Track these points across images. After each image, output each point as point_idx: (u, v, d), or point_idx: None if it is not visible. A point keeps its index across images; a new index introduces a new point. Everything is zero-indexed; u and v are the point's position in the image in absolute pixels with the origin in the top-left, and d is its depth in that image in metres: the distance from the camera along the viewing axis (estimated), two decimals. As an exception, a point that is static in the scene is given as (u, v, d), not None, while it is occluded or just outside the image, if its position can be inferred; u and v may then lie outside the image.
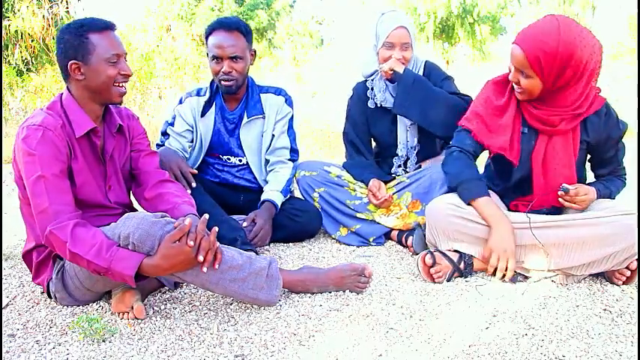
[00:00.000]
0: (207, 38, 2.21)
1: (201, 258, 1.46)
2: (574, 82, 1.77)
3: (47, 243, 1.52)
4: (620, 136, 1.95)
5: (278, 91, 2.37)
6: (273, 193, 2.29)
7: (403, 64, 2.27)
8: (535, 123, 1.89)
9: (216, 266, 1.52)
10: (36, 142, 1.51)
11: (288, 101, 2.38)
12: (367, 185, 2.36)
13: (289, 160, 2.39)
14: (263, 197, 2.28)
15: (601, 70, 1.81)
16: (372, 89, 2.40)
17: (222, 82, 2.20)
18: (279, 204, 2.28)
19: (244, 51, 2.19)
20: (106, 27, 1.60)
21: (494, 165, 2.09)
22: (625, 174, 2.03)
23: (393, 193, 2.33)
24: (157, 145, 2.33)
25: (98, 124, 1.69)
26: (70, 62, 1.57)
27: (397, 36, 2.25)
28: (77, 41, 1.56)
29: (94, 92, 1.62)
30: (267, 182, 2.40)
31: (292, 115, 2.40)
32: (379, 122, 2.42)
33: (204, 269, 1.50)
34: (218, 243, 1.53)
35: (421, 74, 2.35)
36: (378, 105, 2.39)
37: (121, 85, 1.63)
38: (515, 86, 1.88)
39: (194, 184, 2.14)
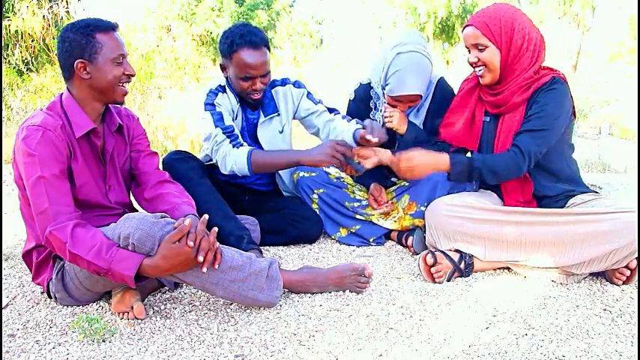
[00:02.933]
0: (230, 53, 2.10)
1: (200, 258, 1.46)
2: (523, 51, 1.91)
3: (47, 244, 1.51)
4: (550, 116, 1.89)
5: (283, 82, 2.34)
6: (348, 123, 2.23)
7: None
8: (493, 109, 2.02)
9: (216, 266, 1.52)
10: (36, 143, 1.51)
11: (296, 84, 2.35)
12: (367, 189, 2.36)
13: (334, 114, 2.33)
14: (355, 127, 2.16)
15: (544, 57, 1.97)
16: (376, 102, 2.36)
17: (253, 96, 2.16)
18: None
19: (269, 63, 2.15)
20: (112, 27, 1.62)
21: None
22: (522, 157, 1.88)
23: (392, 198, 2.33)
24: (225, 130, 2.10)
25: (98, 124, 1.69)
26: (77, 61, 1.57)
27: (407, 97, 2.14)
28: (84, 40, 1.57)
29: (99, 92, 1.62)
30: (290, 181, 2.44)
31: (308, 92, 2.36)
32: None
33: (204, 269, 1.50)
34: (218, 243, 1.53)
35: (432, 93, 2.28)
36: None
37: (124, 84, 1.64)
38: (477, 71, 1.99)
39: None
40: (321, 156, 1.94)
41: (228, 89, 2.23)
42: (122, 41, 1.64)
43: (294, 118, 2.38)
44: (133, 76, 1.66)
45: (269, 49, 2.15)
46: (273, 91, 2.32)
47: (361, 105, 2.40)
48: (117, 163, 1.77)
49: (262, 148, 2.28)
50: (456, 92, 2.28)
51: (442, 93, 2.29)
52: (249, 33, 2.09)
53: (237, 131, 2.14)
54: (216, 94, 2.20)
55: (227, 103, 2.22)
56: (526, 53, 1.91)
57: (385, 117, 2.22)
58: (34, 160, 1.50)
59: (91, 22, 1.60)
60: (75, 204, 1.56)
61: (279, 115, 2.32)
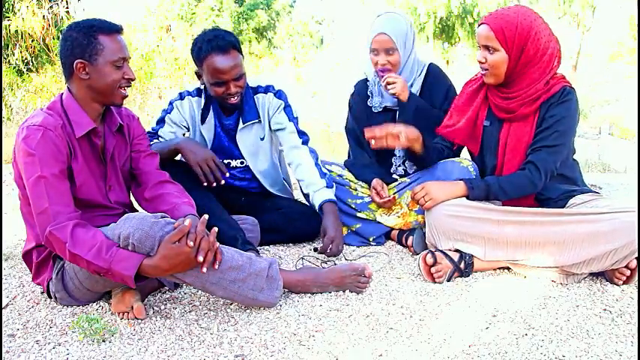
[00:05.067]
0: (200, 60, 2.09)
1: (200, 258, 1.46)
2: (536, 60, 1.87)
3: (47, 243, 1.51)
4: (562, 131, 1.89)
5: (266, 89, 2.32)
6: (321, 192, 2.19)
7: (390, 70, 2.26)
8: (501, 114, 2.00)
9: (216, 266, 1.52)
10: (36, 143, 1.51)
11: (277, 94, 2.32)
12: (369, 185, 2.36)
13: (301, 143, 2.31)
14: (316, 201, 2.17)
15: (559, 66, 1.94)
16: (371, 93, 2.40)
17: (229, 101, 2.15)
18: (334, 197, 2.21)
19: (243, 66, 2.13)
20: (115, 30, 1.61)
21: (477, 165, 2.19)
22: (539, 174, 1.89)
23: (394, 193, 2.33)
24: (149, 132, 2.21)
25: (98, 123, 1.69)
26: (77, 61, 1.57)
27: (379, 42, 2.24)
28: (86, 40, 1.56)
29: (97, 93, 1.62)
30: (286, 183, 2.43)
31: (286, 105, 2.33)
32: (379, 123, 2.41)
33: (204, 269, 1.50)
34: (218, 243, 1.53)
35: (422, 78, 2.34)
36: (375, 111, 2.41)
37: (124, 88, 1.64)
38: (482, 70, 1.96)
39: (227, 174, 2.08)
40: (196, 159, 2.05)
41: (203, 94, 2.26)
42: (125, 44, 1.63)
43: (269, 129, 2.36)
44: (132, 80, 1.65)
45: (240, 52, 2.12)
46: (255, 97, 2.30)
47: (359, 100, 2.46)
48: (117, 163, 1.77)
49: (241, 154, 2.33)
50: (449, 78, 2.34)
51: (434, 76, 2.35)
52: (216, 38, 2.07)
53: (163, 135, 2.24)
54: (183, 98, 2.27)
55: (188, 109, 2.27)
56: (538, 63, 1.87)
57: (388, 83, 2.24)
58: (34, 160, 1.50)
59: (94, 23, 1.59)
60: (75, 204, 1.56)
61: (260, 122, 2.31)
